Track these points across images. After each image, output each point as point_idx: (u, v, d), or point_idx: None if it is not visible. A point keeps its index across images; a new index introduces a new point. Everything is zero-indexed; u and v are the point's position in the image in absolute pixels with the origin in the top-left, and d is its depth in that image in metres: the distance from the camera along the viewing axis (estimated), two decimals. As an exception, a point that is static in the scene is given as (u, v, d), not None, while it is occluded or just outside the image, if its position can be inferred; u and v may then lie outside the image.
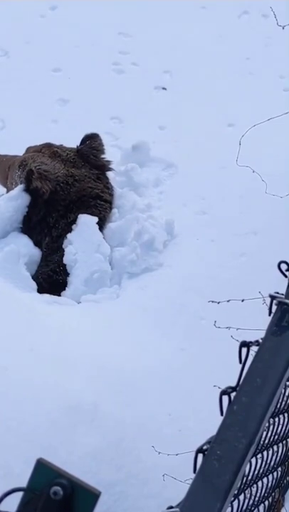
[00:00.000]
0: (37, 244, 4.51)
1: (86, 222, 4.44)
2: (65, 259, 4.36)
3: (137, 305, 4.12)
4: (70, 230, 4.47)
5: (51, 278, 4.40)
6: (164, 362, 3.70)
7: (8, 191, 4.80)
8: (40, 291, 4.31)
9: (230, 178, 4.70)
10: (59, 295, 4.30)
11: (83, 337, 3.82)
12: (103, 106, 5.53)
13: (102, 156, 4.77)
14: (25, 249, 4.40)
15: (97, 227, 4.43)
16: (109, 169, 4.77)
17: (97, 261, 4.30)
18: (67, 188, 4.58)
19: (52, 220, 4.53)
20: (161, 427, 3.35)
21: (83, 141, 4.77)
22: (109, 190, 4.69)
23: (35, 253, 4.46)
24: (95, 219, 4.45)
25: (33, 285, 4.29)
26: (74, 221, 4.50)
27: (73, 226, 4.46)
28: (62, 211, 4.54)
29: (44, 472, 1.15)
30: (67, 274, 4.37)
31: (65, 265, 4.39)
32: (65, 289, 4.34)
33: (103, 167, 4.73)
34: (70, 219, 4.53)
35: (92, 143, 4.74)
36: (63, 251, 4.42)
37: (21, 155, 4.89)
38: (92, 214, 4.52)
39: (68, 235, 4.42)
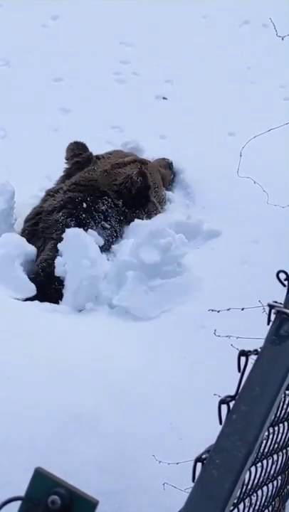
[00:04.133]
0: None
1: (74, 234, 4.37)
2: (56, 271, 4.33)
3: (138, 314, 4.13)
4: (63, 205, 4.59)
5: (51, 267, 4.36)
6: (164, 370, 3.70)
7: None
8: (37, 281, 4.30)
9: (232, 186, 4.71)
10: (56, 292, 4.28)
11: (84, 346, 3.82)
12: (104, 115, 5.55)
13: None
14: (18, 250, 4.37)
15: (84, 236, 4.38)
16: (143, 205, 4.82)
17: (84, 267, 4.22)
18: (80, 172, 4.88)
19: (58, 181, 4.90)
20: (162, 436, 3.34)
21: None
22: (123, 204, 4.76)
23: (30, 251, 4.45)
24: (81, 231, 4.41)
25: (32, 287, 4.28)
26: (69, 198, 4.64)
27: (63, 234, 4.42)
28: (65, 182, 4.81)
29: (42, 481, 1.15)
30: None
31: None
32: (59, 284, 4.31)
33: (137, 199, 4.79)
34: (66, 194, 4.71)
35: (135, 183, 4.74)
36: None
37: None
38: (93, 202, 4.63)
39: (59, 245, 4.38)
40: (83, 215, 4.56)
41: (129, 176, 4.69)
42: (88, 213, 4.57)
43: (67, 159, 4.88)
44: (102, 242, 4.51)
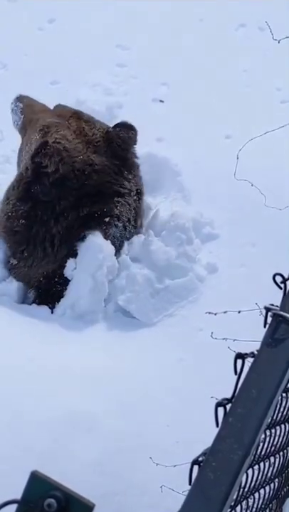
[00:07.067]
0: (45, 233, 4.20)
1: (94, 241, 4.17)
2: (65, 272, 4.19)
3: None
4: (82, 224, 4.16)
5: (61, 278, 4.19)
6: (162, 373, 3.71)
7: (20, 148, 4.55)
8: (40, 294, 4.25)
9: (228, 189, 4.71)
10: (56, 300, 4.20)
11: (82, 348, 3.83)
12: (101, 119, 5.54)
13: (132, 149, 4.50)
14: None
15: (105, 246, 4.16)
16: (134, 166, 4.48)
17: (88, 288, 4.09)
18: (83, 179, 4.21)
19: (59, 207, 4.16)
20: (160, 438, 3.35)
21: (116, 126, 4.50)
22: (130, 184, 4.38)
23: (7, 250, 4.42)
24: (105, 242, 4.17)
25: (15, 286, 4.28)
26: (88, 216, 4.17)
27: (80, 244, 4.19)
28: (73, 202, 4.18)
29: (38, 484, 1.15)
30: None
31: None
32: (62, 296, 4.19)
33: (129, 162, 4.44)
34: (82, 213, 4.18)
35: (125, 132, 4.44)
36: (74, 248, 4.17)
37: (50, 112, 4.65)
38: (109, 211, 4.23)
39: (78, 245, 4.18)
40: (104, 227, 4.21)
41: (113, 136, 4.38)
42: (108, 224, 4.24)
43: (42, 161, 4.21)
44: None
